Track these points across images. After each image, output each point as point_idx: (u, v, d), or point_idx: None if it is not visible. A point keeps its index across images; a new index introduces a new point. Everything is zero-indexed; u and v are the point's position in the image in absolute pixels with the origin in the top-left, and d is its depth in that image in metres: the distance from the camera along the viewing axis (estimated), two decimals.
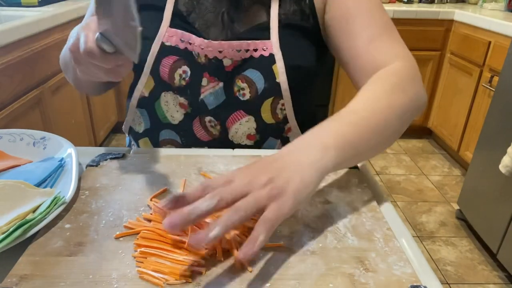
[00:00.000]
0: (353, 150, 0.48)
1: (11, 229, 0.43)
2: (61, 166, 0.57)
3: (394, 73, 0.59)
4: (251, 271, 0.41)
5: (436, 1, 2.85)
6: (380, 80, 0.58)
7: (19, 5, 1.88)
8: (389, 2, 2.80)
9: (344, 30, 0.66)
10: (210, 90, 0.68)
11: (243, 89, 0.67)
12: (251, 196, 0.39)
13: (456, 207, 2.06)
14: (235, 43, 0.65)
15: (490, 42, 2.12)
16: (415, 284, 0.40)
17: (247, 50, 0.66)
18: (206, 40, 0.66)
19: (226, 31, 0.67)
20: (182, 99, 0.70)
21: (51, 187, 0.53)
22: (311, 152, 0.44)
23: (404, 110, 0.55)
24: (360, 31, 0.64)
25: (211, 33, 0.68)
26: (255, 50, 0.66)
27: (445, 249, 1.84)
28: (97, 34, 0.47)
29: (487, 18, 2.16)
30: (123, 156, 0.63)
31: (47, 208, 0.47)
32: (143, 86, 0.71)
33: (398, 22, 2.52)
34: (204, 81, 0.68)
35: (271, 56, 0.66)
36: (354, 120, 0.50)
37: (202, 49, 0.66)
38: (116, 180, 0.57)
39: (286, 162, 0.43)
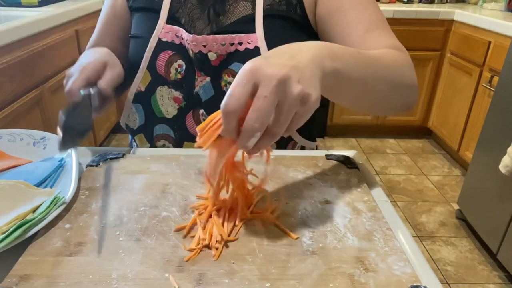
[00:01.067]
0: (348, 82, 0.49)
1: (11, 229, 0.43)
2: (61, 166, 0.57)
3: (397, 54, 0.60)
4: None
5: (436, 1, 2.85)
6: (386, 51, 0.58)
7: (19, 5, 1.88)
8: (389, 2, 2.80)
9: (338, 22, 0.65)
10: (200, 84, 0.70)
11: (230, 83, 0.68)
12: (287, 111, 0.40)
13: (456, 207, 2.06)
14: (219, 36, 0.66)
15: (490, 42, 2.12)
16: (415, 284, 0.40)
17: (232, 44, 0.67)
18: (190, 35, 0.67)
19: (211, 25, 0.68)
20: (177, 93, 0.71)
21: (51, 187, 0.53)
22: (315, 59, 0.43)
23: (399, 83, 0.57)
24: (355, 23, 0.64)
25: (197, 27, 0.69)
26: (240, 43, 0.67)
27: (445, 249, 1.84)
28: (81, 91, 0.56)
29: (487, 18, 2.16)
30: (123, 156, 0.63)
31: (47, 208, 0.47)
32: (140, 81, 0.72)
33: (398, 22, 2.52)
34: (197, 75, 0.70)
35: (256, 49, 0.66)
36: (359, 61, 0.50)
37: (189, 43, 0.67)
38: (116, 180, 0.57)
39: (295, 61, 0.41)
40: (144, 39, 0.71)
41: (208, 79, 0.69)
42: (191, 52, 0.68)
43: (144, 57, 0.71)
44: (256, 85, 0.39)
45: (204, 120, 0.70)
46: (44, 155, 0.60)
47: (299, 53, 0.43)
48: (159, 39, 0.70)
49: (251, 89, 0.39)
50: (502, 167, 1.53)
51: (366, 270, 0.42)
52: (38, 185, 0.53)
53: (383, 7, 2.57)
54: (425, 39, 2.56)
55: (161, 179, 0.57)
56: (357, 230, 0.48)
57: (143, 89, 0.73)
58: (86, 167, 0.60)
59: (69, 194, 0.50)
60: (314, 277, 0.40)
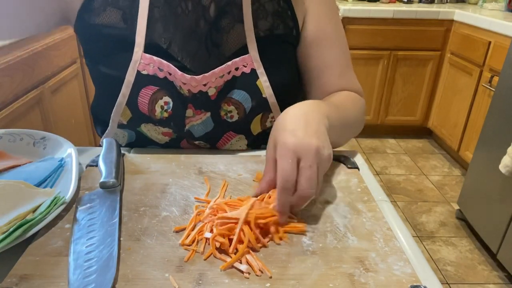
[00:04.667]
0: (334, 130, 0.57)
1: (11, 229, 0.43)
2: (61, 166, 0.57)
3: (359, 100, 0.71)
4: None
5: (436, 1, 2.85)
6: (352, 99, 0.70)
7: None
8: (389, 2, 2.80)
9: (317, 57, 0.70)
10: (197, 121, 0.65)
11: (230, 111, 0.65)
12: (322, 171, 0.49)
13: (456, 207, 2.07)
14: (217, 70, 0.61)
15: (490, 42, 2.12)
16: (415, 284, 0.40)
17: (228, 72, 0.63)
18: (188, 76, 0.60)
19: (212, 58, 0.63)
20: (165, 129, 0.66)
21: (51, 187, 0.53)
22: (321, 120, 0.53)
23: (358, 123, 0.70)
24: (332, 64, 0.70)
25: (195, 64, 0.62)
26: (236, 69, 0.63)
27: (445, 249, 1.84)
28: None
29: (487, 18, 2.16)
30: (123, 156, 0.63)
31: (47, 208, 0.47)
32: (120, 116, 0.65)
33: (398, 22, 2.52)
34: (189, 113, 0.64)
35: (253, 71, 0.63)
36: (338, 113, 0.60)
37: (184, 84, 0.61)
38: None
39: (310, 129, 0.50)
40: (118, 71, 0.62)
41: (208, 114, 0.64)
42: (186, 91, 0.61)
43: (122, 92, 0.61)
44: (299, 159, 0.47)
45: (201, 146, 0.68)
46: (44, 155, 0.60)
47: (310, 119, 0.51)
48: (138, 72, 0.61)
49: (296, 163, 0.47)
50: (502, 167, 1.53)
51: (366, 270, 0.42)
52: (38, 185, 0.53)
53: (383, 7, 2.58)
54: (425, 39, 2.56)
55: (161, 179, 0.57)
56: (357, 230, 0.48)
57: (125, 122, 0.66)
58: (86, 167, 0.60)
59: (69, 194, 0.50)
60: (314, 277, 0.40)
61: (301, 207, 0.48)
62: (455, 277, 1.67)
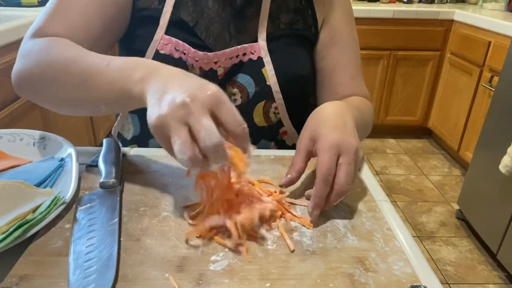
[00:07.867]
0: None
1: (11, 229, 0.43)
2: (61, 166, 0.57)
3: (368, 105, 0.75)
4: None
5: (436, 1, 2.85)
6: (364, 104, 0.72)
7: (19, 5, 1.88)
8: (389, 2, 2.80)
9: (332, 57, 0.73)
10: None
11: (234, 94, 0.67)
12: (345, 176, 0.48)
13: (456, 207, 2.07)
14: (228, 51, 0.66)
15: (490, 42, 2.12)
16: (415, 284, 0.40)
17: (236, 56, 0.66)
18: (201, 52, 0.64)
19: (232, 42, 0.67)
20: None
21: (51, 187, 0.53)
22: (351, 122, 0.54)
23: (368, 127, 0.75)
24: (346, 65, 0.73)
25: (217, 44, 0.67)
26: (244, 54, 0.67)
27: (445, 249, 1.84)
28: None
29: (487, 18, 2.16)
30: (123, 156, 0.63)
31: (47, 208, 0.47)
32: None
33: (398, 22, 2.52)
34: None
35: (260, 59, 0.67)
36: (359, 115, 0.62)
37: (197, 61, 0.65)
38: None
39: (348, 129, 0.52)
40: (143, 48, 0.66)
41: None
42: (198, 69, 0.65)
43: None
44: (339, 155, 0.49)
45: None
46: (44, 155, 0.60)
47: (347, 119, 0.53)
48: (157, 51, 0.66)
49: (337, 158, 0.49)
50: (502, 167, 1.53)
51: (366, 270, 0.42)
52: (38, 185, 0.53)
53: (383, 7, 2.58)
54: (425, 39, 2.56)
55: (161, 179, 0.57)
56: (357, 230, 0.48)
57: None
58: (86, 167, 0.60)
59: (69, 194, 0.50)
60: (314, 277, 0.40)
61: (336, 202, 0.49)
62: (455, 277, 1.67)
